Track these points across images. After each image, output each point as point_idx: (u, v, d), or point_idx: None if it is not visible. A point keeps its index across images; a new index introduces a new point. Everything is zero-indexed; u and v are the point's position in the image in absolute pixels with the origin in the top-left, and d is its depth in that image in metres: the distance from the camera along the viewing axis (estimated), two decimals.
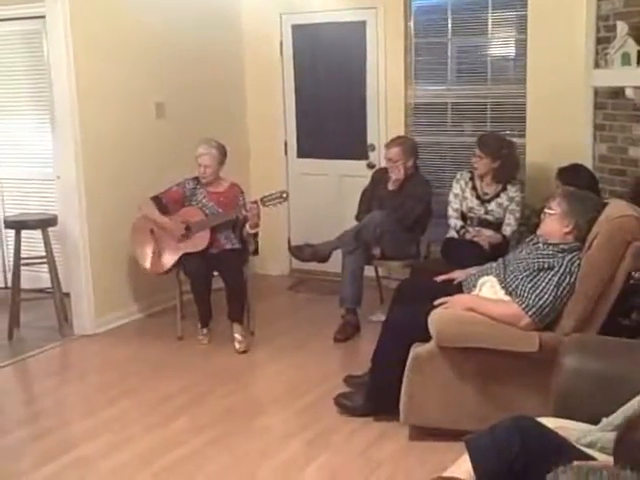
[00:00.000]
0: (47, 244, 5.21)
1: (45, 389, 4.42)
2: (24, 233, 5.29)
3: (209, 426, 3.82)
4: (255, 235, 5.12)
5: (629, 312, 3.76)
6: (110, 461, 3.50)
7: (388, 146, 5.36)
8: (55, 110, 5.17)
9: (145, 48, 5.51)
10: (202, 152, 5.03)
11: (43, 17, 5.12)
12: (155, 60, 5.60)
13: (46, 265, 5.26)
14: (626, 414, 2.35)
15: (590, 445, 2.33)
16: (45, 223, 5.23)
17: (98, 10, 5.14)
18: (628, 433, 1.96)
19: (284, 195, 5.04)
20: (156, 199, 5.06)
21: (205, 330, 5.03)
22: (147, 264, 5.06)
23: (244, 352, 4.79)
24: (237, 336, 4.84)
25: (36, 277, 5.64)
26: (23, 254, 5.31)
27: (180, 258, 4.97)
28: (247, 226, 5.02)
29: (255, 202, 4.96)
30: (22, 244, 5.26)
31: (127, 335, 5.24)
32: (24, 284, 5.38)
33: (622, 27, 4.50)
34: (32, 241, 5.50)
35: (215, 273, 5.00)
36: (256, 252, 5.24)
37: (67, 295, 5.33)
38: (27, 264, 5.38)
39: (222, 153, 5.10)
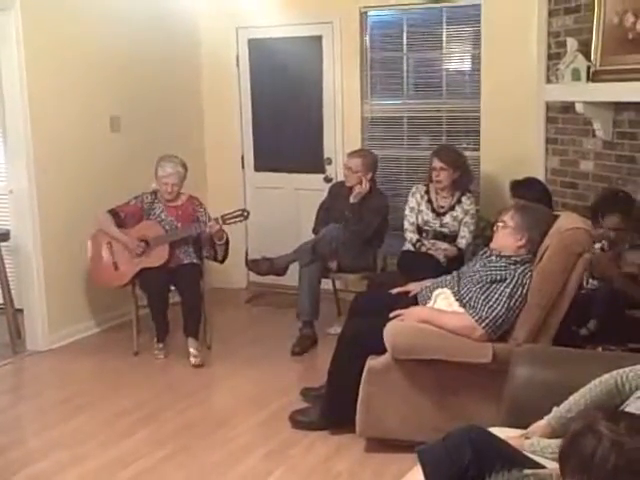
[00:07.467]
0: None
1: None
2: None
3: (166, 441, 3.79)
4: (227, 243, 5.10)
5: (586, 322, 3.83)
6: (67, 477, 3.45)
7: (350, 156, 5.40)
8: (7, 123, 5.10)
9: (100, 61, 5.46)
10: (170, 172, 5.00)
11: None
12: (110, 73, 5.55)
13: None
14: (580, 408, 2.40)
15: (542, 450, 2.36)
16: None
17: (52, 22, 5.09)
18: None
19: (245, 213, 5.06)
20: (114, 213, 5.02)
21: (161, 345, 4.99)
22: (104, 277, 5.02)
23: (199, 366, 4.77)
24: (192, 350, 4.82)
25: None
26: None
27: (137, 272, 4.94)
28: (215, 240, 5.01)
29: (216, 219, 4.96)
30: None
31: (82, 351, 5.17)
32: None
33: (572, 43, 4.61)
34: None
35: (172, 287, 4.99)
36: (223, 260, 5.22)
37: (20, 311, 5.24)
38: None
39: (185, 169, 5.10)
